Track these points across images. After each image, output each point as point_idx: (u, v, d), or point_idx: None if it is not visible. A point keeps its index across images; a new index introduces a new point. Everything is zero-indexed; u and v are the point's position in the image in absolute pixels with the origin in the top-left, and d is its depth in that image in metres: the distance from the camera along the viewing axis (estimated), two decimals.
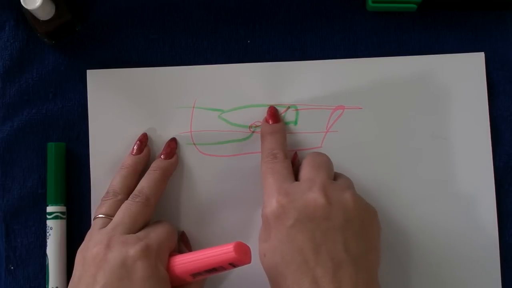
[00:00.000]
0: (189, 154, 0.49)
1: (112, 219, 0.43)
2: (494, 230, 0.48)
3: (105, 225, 0.43)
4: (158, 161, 0.47)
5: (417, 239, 0.48)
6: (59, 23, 0.47)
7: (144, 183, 0.45)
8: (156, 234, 0.43)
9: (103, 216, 0.44)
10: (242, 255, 0.39)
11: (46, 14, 0.46)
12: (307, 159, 0.45)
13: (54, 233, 0.47)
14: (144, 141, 0.48)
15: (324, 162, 0.44)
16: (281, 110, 0.49)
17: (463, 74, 0.49)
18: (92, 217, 0.47)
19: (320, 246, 0.40)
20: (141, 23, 0.50)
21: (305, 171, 0.44)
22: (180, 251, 0.46)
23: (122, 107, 0.49)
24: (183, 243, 0.47)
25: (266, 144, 0.46)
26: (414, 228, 0.48)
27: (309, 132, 0.49)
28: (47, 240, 0.47)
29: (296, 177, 0.44)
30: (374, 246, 0.42)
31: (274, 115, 0.48)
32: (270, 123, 0.48)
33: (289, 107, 0.49)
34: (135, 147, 0.47)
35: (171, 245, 0.44)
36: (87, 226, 0.48)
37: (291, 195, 0.41)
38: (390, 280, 0.47)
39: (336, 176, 0.45)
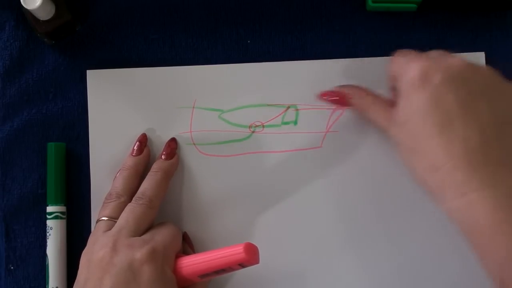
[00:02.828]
0: (189, 154, 0.49)
1: (115, 222, 0.43)
2: None
3: (109, 228, 0.43)
4: (159, 162, 0.47)
5: (417, 238, 0.48)
6: (59, 23, 0.47)
7: (147, 185, 0.45)
8: (161, 236, 0.43)
9: (107, 218, 0.44)
10: (252, 256, 0.39)
11: (46, 14, 0.46)
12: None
13: (54, 233, 0.47)
14: (143, 141, 0.48)
15: None
16: (281, 110, 0.49)
17: None
18: (94, 219, 0.47)
19: (467, 107, 0.39)
20: (141, 23, 0.50)
21: (434, 52, 0.43)
22: (185, 252, 0.46)
23: (122, 107, 0.49)
24: (186, 244, 0.47)
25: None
26: (414, 227, 0.48)
27: (309, 132, 0.49)
28: (47, 240, 0.47)
29: None
30: None
31: None
32: None
33: (289, 107, 0.49)
34: (135, 148, 0.47)
35: (176, 246, 0.44)
36: (87, 226, 0.48)
37: (432, 59, 0.41)
38: (389, 279, 0.47)
39: None
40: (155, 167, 0.46)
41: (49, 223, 0.47)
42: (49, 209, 0.47)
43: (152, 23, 0.50)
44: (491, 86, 0.41)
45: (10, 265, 0.48)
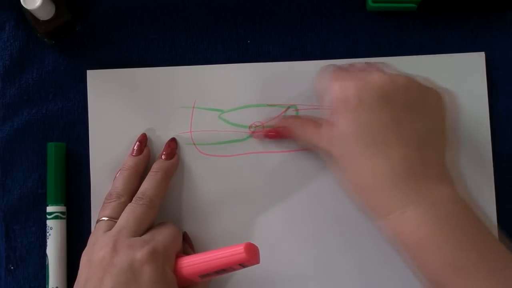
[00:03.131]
0: (189, 154, 0.49)
1: (116, 222, 0.43)
2: (494, 231, 0.48)
3: (109, 228, 0.43)
4: (159, 162, 0.47)
5: None
6: (59, 23, 0.47)
7: (147, 185, 0.45)
8: (162, 236, 0.43)
9: (107, 218, 0.44)
10: (252, 256, 0.39)
11: (46, 14, 0.46)
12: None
13: (54, 233, 0.47)
14: (143, 141, 0.48)
15: None
16: (281, 110, 0.49)
17: (463, 74, 0.49)
18: (94, 219, 0.47)
19: (390, 126, 0.40)
20: (141, 23, 0.50)
21: (356, 67, 0.44)
22: (185, 252, 0.46)
23: (122, 107, 0.49)
24: (187, 244, 0.47)
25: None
26: None
27: None
28: (47, 240, 0.47)
29: None
30: (441, 127, 0.42)
31: None
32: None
33: (289, 107, 0.49)
34: (135, 148, 0.47)
35: (177, 246, 0.44)
36: (87, 226, 0.48)
37: (354, 78, 0.41)
38: (388, 279, 0.48)
39: None
40: (155, 167, 0.46)
41: (49, 223, 0.47)
42: (49, 209, 0.47)
43: (152, 23, 0.50)
44: (412, 100, 0.41)
45: (10, 265, 0.48)
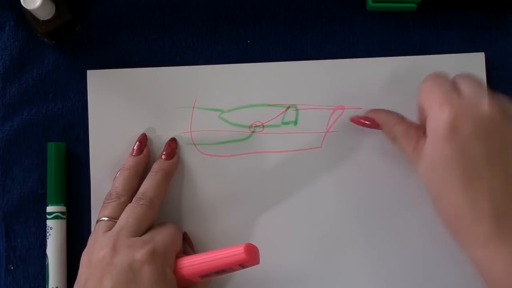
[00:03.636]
0: (189, 154, 0.49)
1: (116, 222, 0.43)
2: None
3: (109, 228, 0.43)
4: (159, 162, 0.47)
5: (417, 239, 0.48)
6: (59, 23, 0.47)
7: (147, 185, 0.45)
8: (162, 237, 0.43)
9: (107, 218, 0.44)
10: (252, 256, 0.39)
11: (46, 14, 0.46)
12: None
13: (54, 233, 0.47)
14: (143, 141, 0.48)
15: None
16: (281, 110, 0.49)
17: None
18: (94, 219, 0.47)
19: (494, 158, 0.39)
20: (141, 23, 0.50)
21: (467, 87, 0.42)
22: (185, 252, 0.46)
23: (122, 107, 0.49)
24: (187, 244, 0.47)
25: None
26: (414, 228, 0.48)
27: (309, 132, 0.49)
28: (47, 240, 0.47)
29: None
30: None
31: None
32: None
33: (289, 107, 0.49)
34: (134, 148, 0.47)
35: (176, 247, 0.44)
36: (87, 226, 0.48)
37: (464, 105, 0.40)
38: (389, 278, 0.48)
39: None
40: (155, 167, 0.46)
41: (49, 223, 0.47)
42: (49, 209, 0.47)
43: (152, 23, 0.50)
44: None
45: (10, 265, 0.48)
